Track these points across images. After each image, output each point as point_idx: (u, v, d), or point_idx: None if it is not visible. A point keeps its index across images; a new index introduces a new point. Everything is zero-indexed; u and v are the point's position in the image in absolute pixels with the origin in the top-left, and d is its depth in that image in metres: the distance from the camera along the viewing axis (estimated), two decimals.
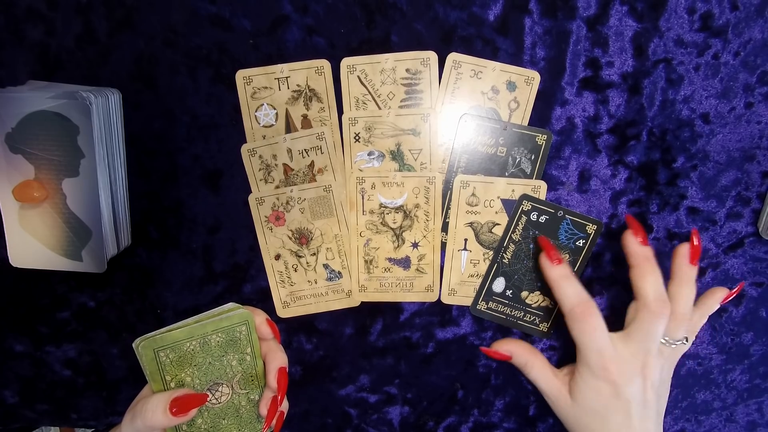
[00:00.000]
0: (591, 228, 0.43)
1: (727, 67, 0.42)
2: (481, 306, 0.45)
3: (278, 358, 0.38)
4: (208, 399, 0.37)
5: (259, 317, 0.38)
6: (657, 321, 0.39)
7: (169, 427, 0.35)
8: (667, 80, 0.42)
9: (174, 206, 0.44)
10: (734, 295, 0.43)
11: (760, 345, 0.48)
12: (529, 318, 0.45)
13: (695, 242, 0.40)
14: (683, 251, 0.40)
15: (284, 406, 0.40)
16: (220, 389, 0.37)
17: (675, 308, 0.40)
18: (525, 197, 0.43)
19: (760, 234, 0.44)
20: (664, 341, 0.40)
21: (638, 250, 0.40)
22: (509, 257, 0.44)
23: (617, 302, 0.46)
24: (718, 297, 0.43)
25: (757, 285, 0.46)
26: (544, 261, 0.41)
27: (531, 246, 0.44)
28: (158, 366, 0.35)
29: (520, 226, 0.44)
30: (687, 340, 0.41)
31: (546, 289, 0.44)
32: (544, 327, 0.46)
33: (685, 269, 0.40)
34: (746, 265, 0.46)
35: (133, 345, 0.35)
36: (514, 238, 0.44)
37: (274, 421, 0.38)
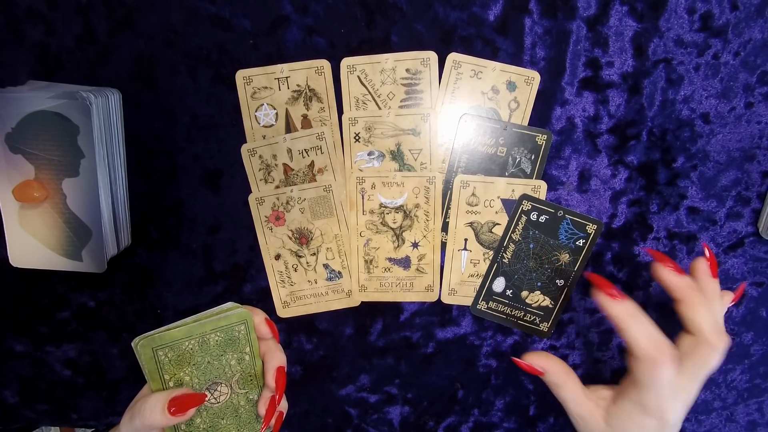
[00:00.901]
0: (591, 228, 0.43)
1: (727, 67, 0.42)
2: (482, 306, 0.45)
3: (277, 358, 0.38)
4: (207, 398, 0.37)
5: (258, 317, 0.38)
6: (718, 355, 0.36)
7: (167, 426, 0.35)
8: (667, 80, 0.42)
9: (174, 206, 0.44)
10: (739, 298, 0.43)
11: (760, 345, 0.48)
12: (530, 318, 0.45)
13: (708, 255, 0.39)
14: (703, 267, 0.38)
15: (283, 405, 0.40)
16: (218, 389, 0.37)
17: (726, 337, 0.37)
18: (525, 197, 0.43)
19: (760, 234, 0.44)
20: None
21: (678, 281, 0.37)
22: (509, 257, 0.44)
23: None
24: (726, 301, 0.41)
25: (757, 285, 0.46)
26: (603, 298, 0.37)
27: (531, 246, 0.44)
28: (157, 365, 0.35)
29: (520, 226, 0.44)
30: None
31: (546, 289, 0.44)
32: (544, 327, 0.46)
33: (712, 286, 0.38)
34: (746, 265, 0.46)
35: (132, 344, 0.35)
36: (514, 238, 0.44)
37: (273, 421, 0.38)
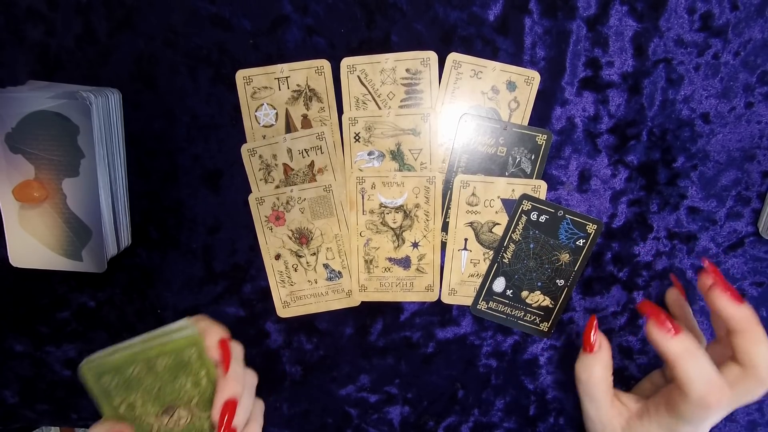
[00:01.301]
0: (591, 227, 0.43)
1: (727, 66, 0.42)
2: (482, 306, 0.45)
3: (227, 389, 0.34)
4: (166, 423, 0.34)
5: (211, 338, 0.35)
6: (764, 390, 0.34)
7: None
8: (667, 80, 0.42)
9: (174, 206, 0.44)
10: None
11: None
12: (530, 318, 0.45)
13: (721, 281, 0.36)
14: (724, 300, 0.35)
15: (254, 430, 0.37)
16: (176, 413, 0.35)
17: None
18: (525, 197, 0.43)
19: (761, 234, 0.44)
20: None
21: (738, 313, 0.34)
22: (509, 257, 0.44)
23: (618, 301, 0.46)
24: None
25: (757, 285, 0.46)
26: (657, 333, 0.34)
27: (531, 246, 0.44)
28: (103, 391, 0.33)
29: (520, 226, 0.44)
30: None
31: (546, 289, 0.44)
32: (544, 327, 0.46)
33: (742, 316, 0.34)
34: (746, 265, 0.46)
35: (78, 367, 0.33)
36: (514, 237, 0.44)
37: None
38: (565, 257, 0.44)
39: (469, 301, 0.46)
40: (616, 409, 0.37)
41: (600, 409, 0.37)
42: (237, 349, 0.37)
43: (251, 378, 0.38)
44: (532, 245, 0.44)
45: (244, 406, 0.36)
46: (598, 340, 0.37)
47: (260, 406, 0.40)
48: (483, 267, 0.45)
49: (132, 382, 0.34)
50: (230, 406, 0.34)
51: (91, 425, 0.34)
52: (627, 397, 0.38)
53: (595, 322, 0.38)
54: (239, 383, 0.35)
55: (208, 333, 0.35)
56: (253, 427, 0.38)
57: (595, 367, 0.37)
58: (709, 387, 0.33)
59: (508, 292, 0.45)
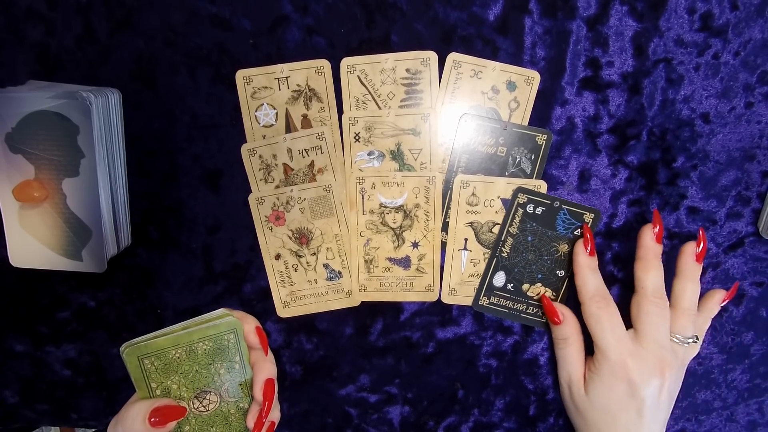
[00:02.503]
0: (588, 217, 0.43)
1: (727, 66, 0.42)
2: (483, 301, 0.45)
3: (266, 369, 0.37)
4: (196, 407, 0.36)
5: (249, 325, 0.37)
6: (658, 310, 0.40)
7: None
8: (667, 80, 0.42)
9: (174, 206, 0.44)
10: (732, 296, 0.44)
11: (760, 345, 0.48)
12: (532, 310, 0.45)
13: (702, 242, 0.41)
14: (690, 249, 0.41)
15: (275, 416, 0.39)
16: (208, 397, 0.37)
17: (680, 303, 0.41)
18: (520, 190, 0.43)
19: (761, 234, 0.44)
20: (675, 340, 0.40)
21: (650, 244, 0.41)
22: (508, 251, 0.44)
23: (618, 302, 0.46)
24: (717, 299, 0.43)
25: (757, 285, 0.46)
26: (579, 246, 0.42)
27: (529, 239, 0.44)
28: (143, 373, 0.35)
29: (517, 219, 0.44)
30: (697, 339, 0.42)
31: (547, 281, 0.45)
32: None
33: (691, 266, 0.41)
34: (746, 265, 0.46)
35: (120, 350, 0.34)
36: (511, 231, 0.44)
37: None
38: (563, 248, 0.44)
39: (469, 301, 0.46)
40: (583, 368, 0.42)
41: (572, 366, 0.42)
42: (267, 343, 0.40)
43: (276, 370, 0.40)
44: (530, 238, 0.44)
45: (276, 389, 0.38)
46: (560, 311, 0.43)
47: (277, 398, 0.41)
48: (483, 267, 0.45)
49: (171, 366, 0.35)
50: (271, 385, 0.37)
51: (127, 403, 0.36)
52: (589, 358, 0.43)
53: (549, 300, 0.44)
54: (274, 366, 0.38)
55: (244, 320, 0.37)
56: (275, 414, 0.40)
57: (567, 332, 0.43)
58: (598, 291, 0.41)
59: (509, 286, 0.45)
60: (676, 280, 0.41)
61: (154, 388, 0.35)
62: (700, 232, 0.41)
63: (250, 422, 0.37)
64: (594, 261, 0.42)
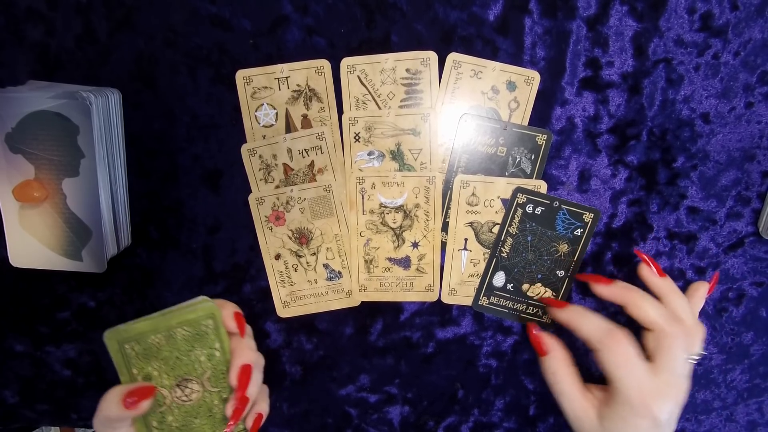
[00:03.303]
0: (588, 216, 0.43)
1: (727, 66, 0.42)
2: (483, 301, 0.45)
3: (243, 355, 0.36)
4: (179, 396, 0.36)
5: (227, 310, 0.37)
6: (679, 341, 0.37)
7: (122, 418, 0.34)
8: (667, 80, 0.42)
9: (174, 206, 0.44)
10: (714, 286, 0.44)
11: (760, 345, 0.48)
12: (532, 310, 0.45)
13: (646, 258, 0.41)
14: (646, 273, 0.40)
15: (262, 408, 0.39)
16: (189, 386, 0.36)
17: (682, 324, 0.39)
18: (519, 190, 0.43)
19: (760, 234, 0.44)
20: (691, 360, 0.39)
21: (608, 291, 0.40)
22: (507, 251, 0.44)
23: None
24: (701, 293, 0.43)
25: (757, 285, 0.46)
26: (552, 308, 0.41)
27: (529, 238, 0.44)
28: (123, 358, 0.35)
29: (517, 219, 0.44)
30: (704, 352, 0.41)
31: (547, 281, 0.45)
32: (547, 318, 0.46)
33: (662, 284, 0.40)
34: (746, 265, 0.46)
35: (102, 336, 0.35)
36: (511, 231, 0.44)
37: (249, 423, 0.37)
38: (563, 248, 0.44)
39: (469, 301, 0.46)
40: (588, 401, 0.39)
41: (572, 402, 0.39)
42: (248, 327, 0.39)
43: (261, 359, 0.40)
44: (529, 238, 0.44)
45: (256, 380, 0.37)
46: (546, 342, 0.41)
47: (266, 390, 0.41)
48: (483, 267, 0.45)
49: (151, 351, 0.35)
50: (246, 371, 0.36)
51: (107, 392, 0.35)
52: (596, 387, 0.40)
53: (534, 330, 0.41)
54: (253, 353, 0.38)
55: (224, 306, 0.37)
56: (263, 407, 0.39)
57: (555, 365, 0.40)
58: (603, 329, 0.38)
59: (509, 286, 0.45)
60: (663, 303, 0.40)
61: (136, 374, 0.35)
62: (638, 255, 0.41)
63: (228, 410, 0.36)
64: (577, 309, 0.40)
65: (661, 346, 0.37)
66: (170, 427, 0.37)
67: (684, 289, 0.43)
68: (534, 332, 0.41)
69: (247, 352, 0.37)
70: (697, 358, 0.39)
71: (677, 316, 0.38)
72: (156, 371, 0.36)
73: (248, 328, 0.39)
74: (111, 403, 0.34)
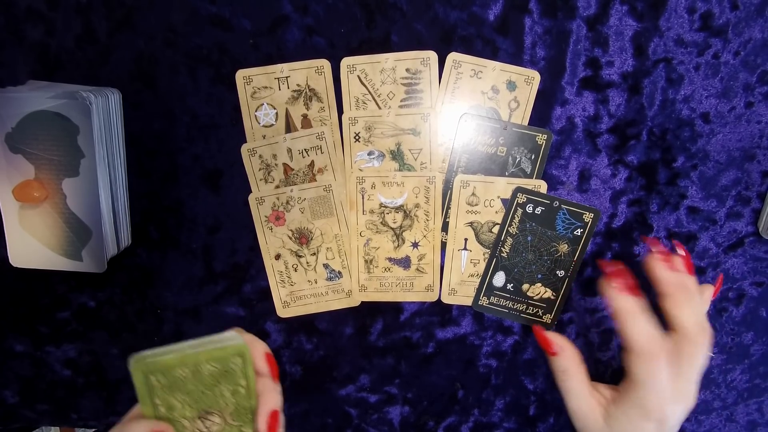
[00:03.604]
0: (588, 216, 0.43)
1: (727, 66, 0.42)
2: (483, 301, 0.45)
3: (272, 400, 0.36)
4: (199, 428, 0.36)
5: (258, 351, 0.36)
6: (701, 351, 0.36)
7: None
8: (667, 80, 0.42)
9: (174, 206, 0.44)
10: (719, 289, 0.43)
11: (760, 345, 0.48)
12: (532, 310, 0.45)
13: (683, 253, 0.39)
14: (680, 265, 0.38)
15: None
16: (211, 418, 0.36)
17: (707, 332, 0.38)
18: (519, 190, 0.43)
19: (760, 234, 0.44)
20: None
21: (669, 277, 0.37)
22: (507, 251, 0.44)
23: None
24: (707, 297, 0.41)
25: (757, 285, 0.46)
26: (612, 289, 0.37)
27: (529, 238, 0.44)
28: (148, 389, 0.35)
29: (517, 219, 0.44)
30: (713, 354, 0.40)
31: (547, 281, 0.45)
32: (547, 318, 0.46)
33: (689, 283, 0.38)
34: (746, 265, 0.46)
35: (128, 362, 0.34)
36: (511, 231, 0.44)
37: None
38: (563, 248, 0.44)
39: (469, 301, 0.46)
40: (595, 399, 0.39)
41: (580, 400, 0.39)
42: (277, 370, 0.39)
43: (281, 398, 0.40)
44: (529, 238, 0.44)
45: (281, 423, 0.37)
46: (555, 342, 0.40)
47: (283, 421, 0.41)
48: (483, 267, 0.45)
49: (177, 384, 0.35)
50: (275, 416, 0.36)
51: (126, 418, 0.35)
52: (603, 387, 0.40)
53: (542, 332, 0.40)
54: (279, 396, 0.37)
55: (253, 345, 0.36)
56: None
57: (566, 363, 0.39)
58: (647, 338, 0.36)
59: (509, 286, 0.45)
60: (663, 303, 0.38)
61: (158, 404, 0.35)
62: (678, 247, 0.39)
63: None
64: (634, 302, 0.37)
65: (686, 353, 0.36)
66: None
67: None
68: (542, 334, 0.40)
69: (275, 396, 0.36)
70: (708, 360, 0.38)
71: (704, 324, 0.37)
72: (179, 403, 0.35)
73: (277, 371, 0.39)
74: None
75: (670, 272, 0.37)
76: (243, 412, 0.37)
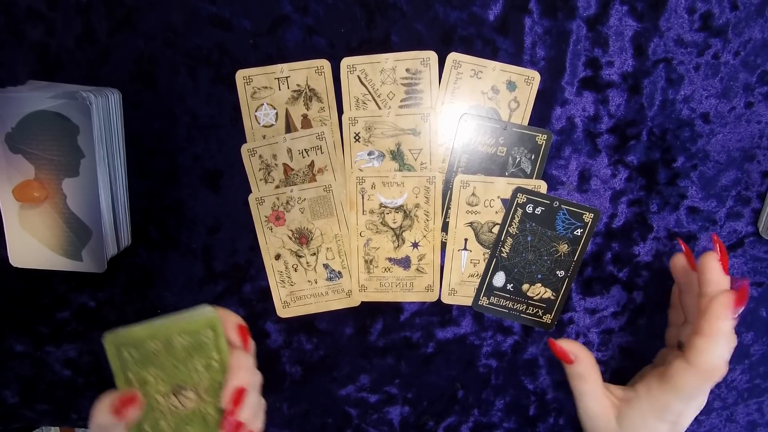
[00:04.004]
0: (588, 216, 0.43)
1: (727, 66, 0.42)
2: (483, 301, 0.45)
3: (240, 376, 0.35)
4: (173, 403, 0.36)
5: (230, 323, 0.36)
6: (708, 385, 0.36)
7: (114, 426, 0.34)
8: (667, 80, 0.42)
9: (174, 206, 0.44)
10: (744, 300, 0.38)
11: (760, 345, 0.48)
12: (532, 310, 0.45)
13: (718, 249, 0.36)
14: (715, 265, 0.36)
15: (256, 427, 0.38)
16: (185, 393, 0.36)
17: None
18: (519, 190, 0.43)
19: (760, 234, 0.44)
20: None
21: (720, 278, 0.35)
22: (507, 251, 0.44)
23: (618, 302, 0.46)
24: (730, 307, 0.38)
25: (758, 285, 0.46)
26: (723, 309, 0.34)
27: (529, 239, 0.44)
28: (121, 363, 0.34)
29: (517, 219, 0.44)
30: None
31: (547, 281, 0.45)
32: (547, 319, 0.46)
33: (723, 285, 0.36)
34: (746, 265, 0.46)
35: (103, 338, 0.34)
36: (511, 231, 0.44)
37: None
38: (563, 248, 0.44)
39: (469, 301, 0.46)
40: (608, 400, 0.39)
41: (595, 402, 0.39)
42: (251, 344, 0.38)
43: (257, 378, 0.39)
44: (529, 238, 0.44)
45: (249, 403, 0.36)
46: (571, 350, 0.40)
47: (263, 404, 0.40)
48: (483, 267, 0.45)
49: (149, 358, 0.35)
50: (239, 394, 0.35)
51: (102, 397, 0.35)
52: (616, 388, 0.40)
53: (557, 344, 0.40)
54: (249, 374, 0.36)
55: (226, 318, 0.36)
56: (257, 425, 0.38)
57: (583, 369, 0.39)
58: (720, 360, 0.34)
59: (509, 287, 0.45)
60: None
61: (132, 379, 0.35)
62: (715, 242, 0.37)
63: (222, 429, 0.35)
64: (731, 323, 0.35)
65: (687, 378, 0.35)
66: None
67: None
68: (557, 346, 0.40)
69: (243, 373, 0.35)
70: None
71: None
72: (152, 377, 0.35)
73: (251, 344, 0.38)
74: (102, 410, 0.33)
75: (723, 276, 0.35)
76: (217, 387, 0.36)
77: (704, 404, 0.37)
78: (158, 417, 0.36)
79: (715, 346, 0.34)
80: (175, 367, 0.35)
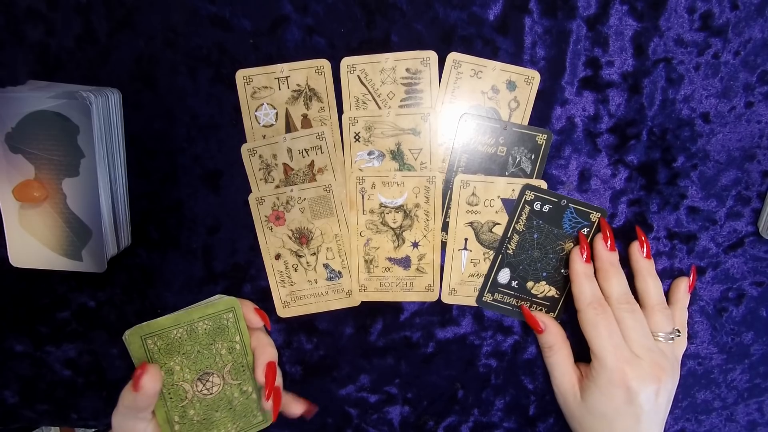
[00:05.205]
0: (595, 216, 0.43)
1: (727, 66, 0.42)
2: (487, 298, 0.45)
3: (267, 353, 0.39)
4: (200, 389, 0.37)
5: (247, 306, 0.39)
6: (630, 315, 0.40)
7: (137, 405, 0.35)
8: (667, 79, 0.42)
9: (174, 206, 0.44)
10: (695, 281, 0.45)
11: (760, 344, 0.48)
12: (536, 308, 0.45)
13: (643, 238, 0.42)
14: (635, 249, 0.43)
15: (296, 408, 0.42)
16: (210, 379, 0.37)
17: (647, 302, 0.42)
18: (528, 187, 0.43)
19: (760, 233, 0.44)
20: (659, 338, 0.41)
21: (605, 254, 0.42)
22: (513, 248, 0.44)
23: None
24: (683, 288, 0.44)
25: (757, 285, 0.46)
26: (575, 254, 0.42)
27: (535, 236, 0.44)
28: (146, 353, 0.36)
29: (524, 217, 0.44)
30: (680, 333, 0.42)
31: (552, 279, 0.45)
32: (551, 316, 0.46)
33: (642, 263, 0.42)
34: (746, 265, 0.46)
35: (123, 337, 0.35)
36: (517, 228, 0.44)
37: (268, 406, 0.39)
38: (569, 246, 0.44)
39: (469, 301, 0.46)
40: (575, 375, 0.42)
41: (563, 375, 0.42)
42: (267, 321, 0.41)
43: (276, 353, 0.41)
44: (536, 235, 0.44)
45: (279, 374, 0.40)
46: (541, 320, 0.43)
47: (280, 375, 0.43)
48: (483, 267, 0.45)
49: (173, 346, 0.36)
50: (272, 367, 0.38)
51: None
52: (583, 365, 0.43)
53: (529, 311, 0.44)
54: (273, 349, 0.39)
55: (242, 302, 0.39)
56: (296, 407, 0.42)
57: (552, 339, 0.43)
58: (594, 298, 0.41)
59: (513, 283, 0.45)
60: (635, 281, 0.42)
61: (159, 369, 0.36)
62: (637, 230, 0.43)
63: (266, 406, 0.38)
64: (589, 268, 0.42)
65: (620, 319, 0.40)
66: (191, 421, 0.38)
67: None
68: (529, 312, 0.44)
69: (269, 349, 0.39)
70: (668, 336, 0.41)
71: (641, 293, 0.42)
72: (178, 366, 0.37)
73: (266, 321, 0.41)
74: (126, 391, 0.35)
75: (604, 250, 0.42)
76: (241, 369, 0.38)
77: (669, 386, 0.40)
78: (186, 406, 0.37)
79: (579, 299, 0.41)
80: (200, 353, 0.37)
